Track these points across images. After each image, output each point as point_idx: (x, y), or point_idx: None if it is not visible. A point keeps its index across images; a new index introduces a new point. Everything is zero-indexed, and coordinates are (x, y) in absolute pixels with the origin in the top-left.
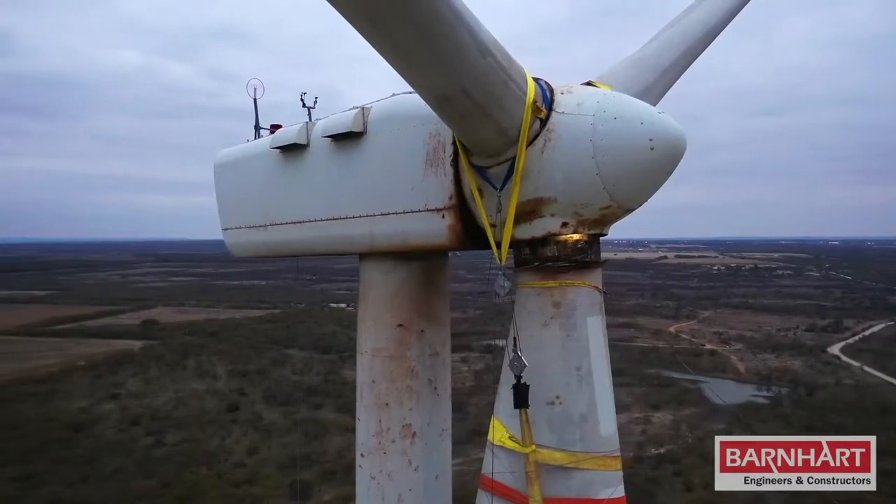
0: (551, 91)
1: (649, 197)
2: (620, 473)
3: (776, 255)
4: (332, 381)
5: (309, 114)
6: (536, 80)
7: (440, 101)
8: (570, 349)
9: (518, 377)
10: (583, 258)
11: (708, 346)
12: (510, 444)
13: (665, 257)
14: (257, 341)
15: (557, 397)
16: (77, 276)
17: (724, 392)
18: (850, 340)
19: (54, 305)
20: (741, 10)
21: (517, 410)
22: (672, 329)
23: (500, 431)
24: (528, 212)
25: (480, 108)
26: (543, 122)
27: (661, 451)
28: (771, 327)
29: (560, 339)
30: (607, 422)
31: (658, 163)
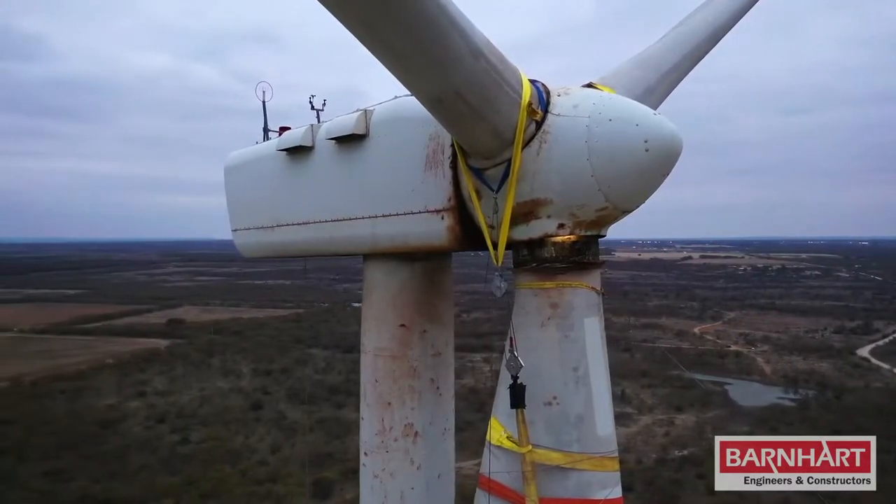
0: (547, 93)
1: (646, 198)
2: (618, 474)
3: (804, 256)
4: (353, 381)
5: (318, 116)
6: (533, 82)
7: (435, 103)
8: (567, 350)
9: (514, 377)
10: (580, 259)
11: (733, 348)
12: (508, 444)
13: (690, 257)
14: (281, 340)
15: (554, 398)
16: (106, 275)
17: (750, 394)
18: (881, 342)
19: (84, 304)
20: (748, 10)
21: (514, 410)
22: (697, 330)
23: (499, 431)
24: (524, 213)
25: (474, 110)
26: (539, 124)
27: (685, 453)
28: (798, 329)
29: (557, 340)
30: (604, 423)
31: (653, 164)
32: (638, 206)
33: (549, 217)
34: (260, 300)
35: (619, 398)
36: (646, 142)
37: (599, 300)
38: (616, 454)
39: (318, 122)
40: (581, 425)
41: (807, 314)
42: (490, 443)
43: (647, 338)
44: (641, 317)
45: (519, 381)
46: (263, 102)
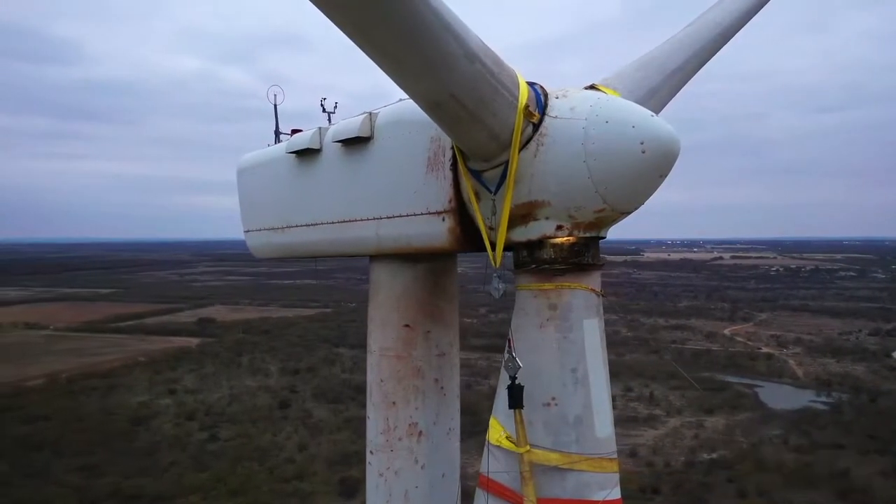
0: (545, 95)
1: (644, 200)
2: (617, 476)
3: (838, 256)
4: None
5: (329, 118)
6: (531, 84)
7: (432, 106)
8: (566, 351)
9: (513, 378)
10: (579, 261)
11: (764, 350)
12: (507, 444)
13: (720, 258)
14: (308, 339)
15: (553, 399)
16: (138, 275)
17: (781, 397)
18: None
19: (117, 303)
20: (759, 10)
21: (513, 411)
22: (727, 331)
23: (498, 431)
24: (522, 215)
25: (471, 113)
26: (536, 127)
27: (714, 456)
28: (832, 331)
29: (556, 341)
30: (603, 424)
31: (650, 166)
32: (636, 208)
33: (547, 219)
34: (288, 300)
35: (647, 400)
36: (642, 143)
37: (599, 302)
38: (615, 456)
39: (329, 124)
40: (580, 426)
41: (841, 316)
42: (489, 442)
43: (677, 339)
44: (671, 318)
45: (517, 382)
46: (275, 105)
